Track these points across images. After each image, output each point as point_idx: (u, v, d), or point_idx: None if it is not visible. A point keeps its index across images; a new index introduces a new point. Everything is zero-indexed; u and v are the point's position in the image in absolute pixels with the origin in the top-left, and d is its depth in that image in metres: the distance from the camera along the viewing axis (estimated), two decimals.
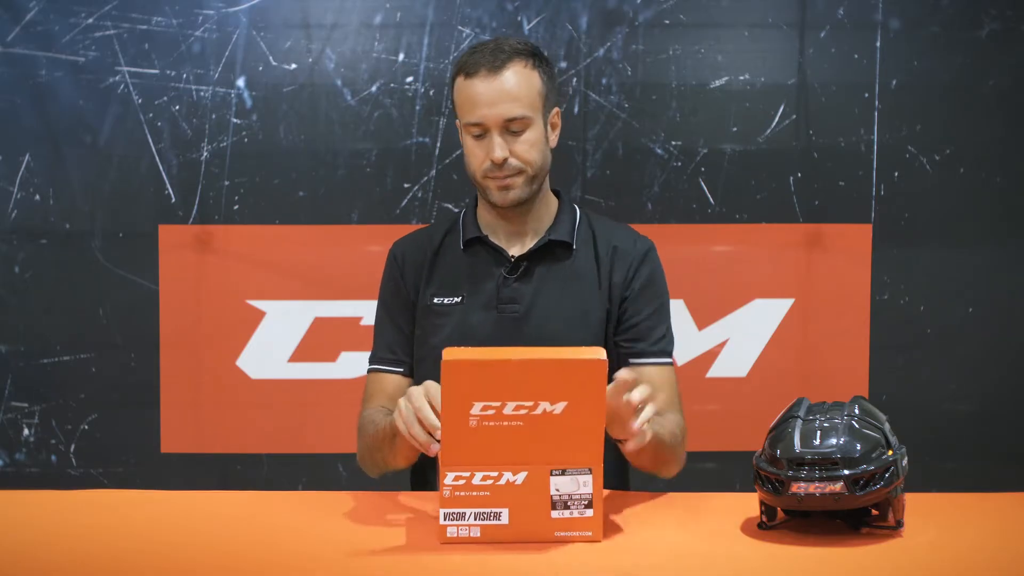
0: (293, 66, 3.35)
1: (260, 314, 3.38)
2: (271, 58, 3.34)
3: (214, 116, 3.34)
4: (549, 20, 3.33)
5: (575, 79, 3.33)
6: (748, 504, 2.09)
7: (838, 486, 1.93)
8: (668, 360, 2.48)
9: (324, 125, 3.36)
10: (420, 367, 2.44)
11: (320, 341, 3.38)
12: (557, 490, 1.96)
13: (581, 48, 3.33)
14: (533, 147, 2.36)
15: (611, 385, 2.01)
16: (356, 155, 3.36)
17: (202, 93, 3.34)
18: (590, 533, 1.96)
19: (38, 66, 3.32)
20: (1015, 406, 3.41)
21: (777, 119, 3.36)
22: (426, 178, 3.36)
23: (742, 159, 3.36)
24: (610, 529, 2.08)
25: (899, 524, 1.99)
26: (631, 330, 2.45)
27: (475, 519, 1.96)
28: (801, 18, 3.35)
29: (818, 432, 1.98)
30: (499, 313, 2.41)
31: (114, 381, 3.38)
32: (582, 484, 1.96)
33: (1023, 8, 3.33)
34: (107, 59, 3.32)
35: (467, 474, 1.95)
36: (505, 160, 2.34)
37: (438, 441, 2.00)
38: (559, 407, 1.92)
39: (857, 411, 2.02)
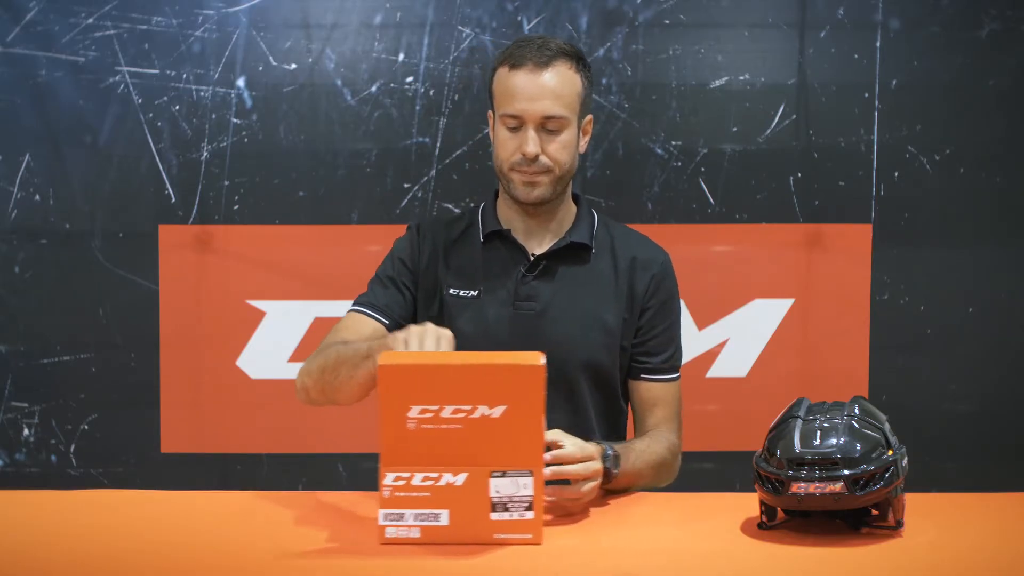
0: (293, 66, 3.35)
1: (260, 314, 3.38)
2: (271, 58, 3.34)
3: (214, 116, 3.34)
4: (549, 20, 3.33)
5: None
6: (748, 504, 2.09)
7: (838, 486, 1.93)
8: (676, 375, 2.51)
9: (324, 125, 3.36)
10: None
11: (320, 341, 3.37)
12: (497, 492, 1.94)
13: (581, 48, 3.32)
14: (565, 148, 2.37)
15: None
16: (356, 155, 3.36)
17: (202, 93, 3.34)
18: (530, 536, 1.95)
19: (38, 66, 3.32)
20: (1015, 406, 3.41)
21: (777, 119, 3.36)
22: (426, 178, 3.36)
23: (742, 159, 3.36)
24: (610, 529, 2.08)
25: (899, 524, 1.99)
26: (645, 344, 2.47)
27: (415, 520, 1.95)
28: (801, 18, 3.35)
29: (818, 432, 1.98)
30: (515, 310, 2.41)
31: (114, 381, 3.38)
32: (522, 486, 1.94)
33: (1023, 8, 3.33)
34: (107, 59, 3.32)
35: (407, 475, 1.94)
36: (536, 157, 2.35)
37: None
38: (498, 411, 1.92)
39: (857, 411, 2.02)
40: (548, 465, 2.05)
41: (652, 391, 2.48)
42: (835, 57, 3.35)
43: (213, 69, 3.33)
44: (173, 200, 3.36)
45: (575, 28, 3.34)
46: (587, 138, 2.45)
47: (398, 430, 1.92)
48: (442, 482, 1.94)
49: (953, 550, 1.96)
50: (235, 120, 3.35)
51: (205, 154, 3.35)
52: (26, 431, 3.39)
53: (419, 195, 3.36)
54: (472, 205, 2.55)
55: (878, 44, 3.34)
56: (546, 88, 2.34)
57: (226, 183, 3.35)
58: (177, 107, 3.34)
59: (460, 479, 1.94)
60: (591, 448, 2.15)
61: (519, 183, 2.38)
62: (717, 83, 3.36)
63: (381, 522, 1.95)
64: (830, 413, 2.02)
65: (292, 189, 3.37)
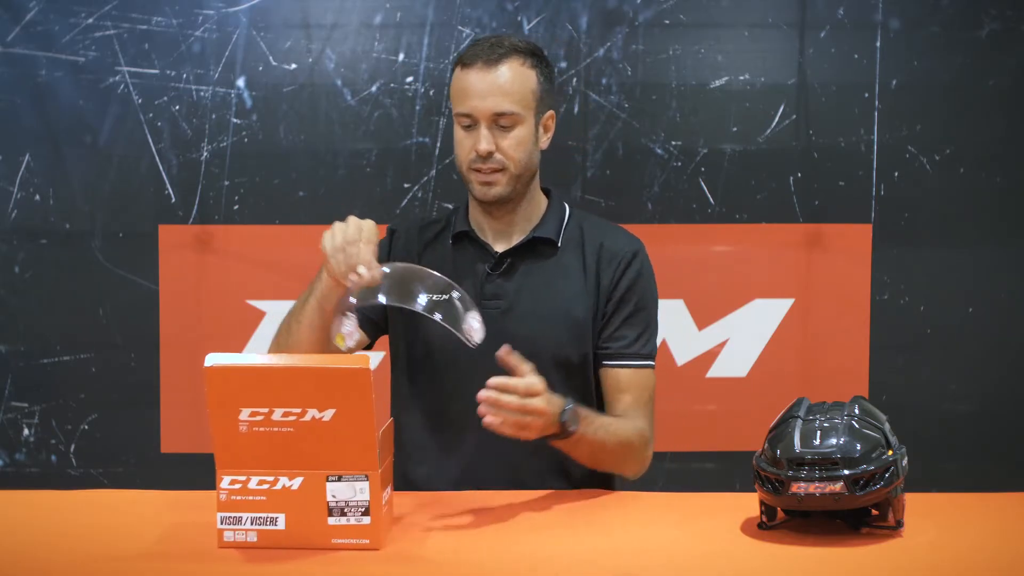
0: (293, 66, 3.35)
1: (260, 314, 3.38)
2: (271, 58, 3.34)
3: (214, 116, 3.34)
4: (549, 20, 3.33)
5: (575, 79, 3.33)
6: (748, 504, 2.09)
7: (838, 486, 1.93)
8: (642, 363, 2.45)
9: (324, 125, 3.36)
10: (418, 367, 2.43)
11: None
12: (333, 496, 1.93)
13: (581, 48, 3.33)
14: (520, 145, 2.37)
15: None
16: (356, 155, 3.36)
17: (202, 93, 3.34)
18: (368, 541, 1.93)
19: (38, 66, 3.32)
20: (1015, 406, 3.41)
21: (777, 119, 3.36)
22: (426, 178, 3.36)
23: (742, 159, 3.36)
24: (610, 529, 2.08)
25: (899, 524, 1.99)
26: (606, 330, 2.44)
27: (252, 524, 1.93)
28: (801, 18, 3.35)
29: (818, 432, 1.97)
30: (482, 309, 2.41)
31: (114, 381, 3.38)
32: (359, 491, 1.93)
33: (1023, 8, 3.33)
34: (107, 59, 3.32)
35: (243, 478, 1.93)
36: (490, 154, 2.35)
37: (358, 273, 2.10)
38: (328, 414, 1.90)
39: (857, 411, 2.02)
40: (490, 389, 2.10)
41: (617, 377, 2.43)
42: (835, 57, 3.35)
43: (213, 69, 3.33)
44: (173, 200, 3.36)
45: (575, 28, 3.34)
46: (549, 134, 2.44)
47: (230, 432, 1.91)
48: (278, 486, 1.93)
49: (953, 550, 1.96)
50: (235, 120, 3.35)
51: (205, 154, 3.35)
52: (26, 431, 3.39)
53: (419, 195, 3.36)
54: (452, 207, 2.56)
55: (878, 44, 3.34)
56: (496, 85, 2.34)
57: (226, 183, 3.35)
58: (177, 107, 3.34)
59: (296, 483, 1.93)
60: (540, 387, 2.14)
61: (476, 183, 2.39)
62: (717, 83, 3.36)
63: (219, 526, 1.94)
64: (830, 413, 2.02)
65: (292, 189, 3.37)
